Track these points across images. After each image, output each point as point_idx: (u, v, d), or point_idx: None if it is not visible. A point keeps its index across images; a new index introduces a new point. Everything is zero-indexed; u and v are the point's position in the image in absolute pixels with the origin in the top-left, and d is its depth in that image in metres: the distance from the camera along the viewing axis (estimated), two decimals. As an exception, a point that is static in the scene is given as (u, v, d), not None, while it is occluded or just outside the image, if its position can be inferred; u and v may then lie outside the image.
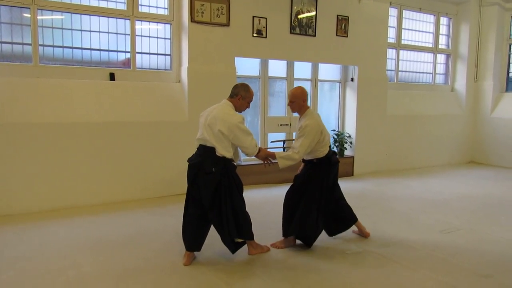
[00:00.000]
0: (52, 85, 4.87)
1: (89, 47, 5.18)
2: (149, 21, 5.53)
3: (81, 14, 5.06)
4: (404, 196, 5.65)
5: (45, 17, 4.89)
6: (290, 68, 6.61)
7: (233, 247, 3.36)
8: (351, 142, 7.10)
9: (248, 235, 3.41)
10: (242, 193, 3.43)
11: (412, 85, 8.20)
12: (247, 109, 3.53)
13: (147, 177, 5.30)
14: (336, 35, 6.63)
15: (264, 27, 5.95)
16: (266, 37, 5.98)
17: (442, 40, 8.50)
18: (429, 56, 8.37)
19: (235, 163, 3.44)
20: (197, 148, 3.39)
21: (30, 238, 3.85)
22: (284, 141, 6.52)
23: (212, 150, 3.25)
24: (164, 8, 5.60)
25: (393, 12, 7.63)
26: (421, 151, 7.98)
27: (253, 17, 5.85)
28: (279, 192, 5.59)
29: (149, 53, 5.57)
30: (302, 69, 6.74)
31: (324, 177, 3.64)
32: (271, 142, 6.45)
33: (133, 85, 5.34)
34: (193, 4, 5.37)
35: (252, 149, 3.35)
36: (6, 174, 4.52)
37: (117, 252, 3.53)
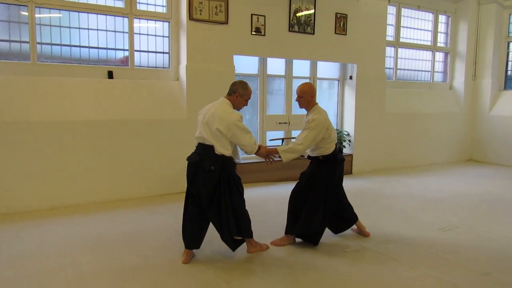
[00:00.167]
0: (50, 83, 4.85)
1: (87, 45, 5.16)
2: (147, 19, 5.51)
3: (79, 12, 5.04)
4: (403, 194, 5.66)
5: (43, 15, 4.87)
6: (288, 66, 6.60)
7: (233, 245, 3.36)
8: (349, 140, 7.10)
9: (247, 233, 3.41)
10: (242, 191, 3.42)
11: (411, 83, 8.21)
12: (245, 106, 3.51)
13: (146, 175, 5.30)
14: (335, 33, 6.62)
15: (262, 25, 5.94)
16: (264, 35, 5.97)
17: (441, 38, 8.50)
18: (427, 54, 8.38)
19: (235, 161, 3.43)
20: (196, 146, 3.38)
21: (29, 236, 3.84)
22: (282, 139, 6.51)
23: (211, 148, 3.24)
24: (163, 6, 5.59)
25: (391, 10, 7.62)
26: (420, 149, 7.99)
27: (252, 15, 5.84)
28: (278, 190, 5.61)
29: (148, 51, 5.56)
30: (301, 67, 6.73)
31: (330, 175, 3.64)
32: (270, 140, 6.42)
33: (131, 83, 5.33)
34: (191, 2, 5.35)
35: (251, 147, 3.34)
36: (5, 173, 4.50)
37: (116, 250, 3.53)
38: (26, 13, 4.75)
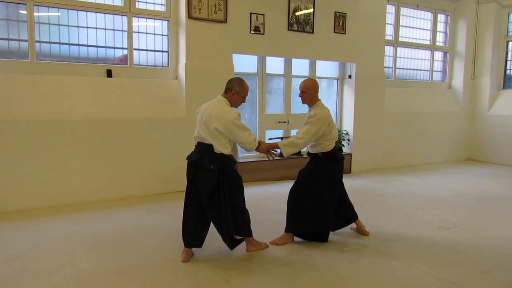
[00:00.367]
0: (49, 81, 4.84)
1: (86, 43, 5.15)
2: (146, 18, 5.50)
3: (77, 10, 5.03)
4: (402, 193, 5.66)
5: (41, 13, 4.86)
6: (288, 65, 6.59)
7: (231, 244, 3.35)
8: (348, 140, 7.10)
9: (246, 232, 3.40)
10: (243, 190, 3.41)
11: (410, 82, 8.21)
12: (243, 104, 3.50)
13: (145, 174, 5.29)
14: (334, 32, 6.62)
15: (261, 23, 5.93)
16: (263, 34, 5.96)
17: (440, 38, 8.51)
18: (426, 53, 8.38)
19: (235, 159, 3.42)
20: (195, 145, 3.37)
21: (27, 235, 3.83)
22: (281, 138, 6.51)
23: (210, 147, 3.23)
24: (161, 4, 5.58)
25: (390, 9, 7.62)
26: (419, 148, 7.99)
27: (251, 13, 5.83)
28: (277, 189, 5.61)
29: (146, 50, 5.55)
30: (300, 66, 6.73)
31: (329, 172, 3.64)
32: (269, 139, 6.39)
33: (130, 82, 5.32)
34: (190, 1, 5.34)
35: (250, 144, 3.32)
36: (3, 171, 4.49)
37: (115, 249, 3.52)
38: (25, 12, 4.74)
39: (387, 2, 7.28)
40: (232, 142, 3.35)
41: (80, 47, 5.12)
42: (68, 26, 5.03)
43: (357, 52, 6.92)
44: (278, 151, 3.64)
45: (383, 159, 7.49)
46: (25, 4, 4.72)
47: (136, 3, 5.37)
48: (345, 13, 6.69)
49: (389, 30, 7.65)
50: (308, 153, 3.78)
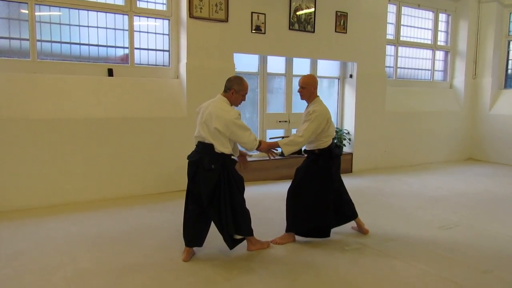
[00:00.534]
0: (50, 80, 4.84)
1: (87, 42, 5.15)
2: (147, 17, 5.50)
3: (79, 9, 5.03)
4: (403, 193, 5.66)
5: (43, 13, 4.86)
6: (289, 65, 6.59)
7: (231, 243, 3.35)
8: (349, 139, 7.10)
9: (247, 232, 3.40)
10: (243, 189, 3.41)
11: (411, 81, 8.20)
12: (243, 102, 3.49)
13: (145, 173, 5.29)
14: (335, 31, 6.62)
15: (262, 23, 5.93)
16: (264, 33, 5.96)
17: (441, 37, 8.49)
18: (427, 53, 8.37)
19: (235, 158, 3.42)
20: (196, 145, 3.37)
21: (28, 234, 3.84)
22: (282, 138, 6.50)
23: (210, 147, 3.23)
24: (163, 3, 5.58)
25: (392, 8, 7.61)
26: (420, 148, 7.98)
27: (252, 13, 5.83)
28: (278, 188, 5.61)
29: (148, 49, 5.55)
30: (301, 66, 6.72)
31: (325, 169, 3.63)
32: (270, 138, 6.39)
33: (131, 81, 5.32)
34: (191, 0, 5.34)
35: (251, 144, 3.32)
36: (4, 170, 4.50)
37: (115, 248, 3.53)
38: (26, 11, 4.74)
39: (388, 1, 7.27)
40: (233, 142, 3.35)
41: (81, 46, 5.13)
42: (69, 25, 5.04)
43: (358, 51, 6.92)
44: (279, 150, 3.64)
45: (384, 158, 7.48)
46: (27, 3, 4.72)
47: (137, 2, 5.37)
48: (346, 13, 6.68)
49: (390, 30, 7.64)
50: (305, 150, 3.77)
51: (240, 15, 5.74)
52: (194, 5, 5.37)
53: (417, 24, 8.14)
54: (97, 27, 5.19)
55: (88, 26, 5.13)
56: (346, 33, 6.72)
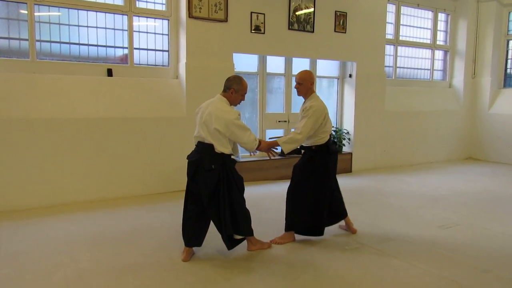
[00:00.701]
0: (49, 80, 4.84)
1: (86, 42, 5.15)
2: (147, 17, 5.50)
3: (78, 9, 5.03)
4: (402, 192, 5.66)
5: (42, 13, 4.86)
6: (288, 65, 6.59)
7: (229, 244, 3.33)
8: (349, 139, 7.10)
9: (247, 232, 3.40)
10: (243, 189, 3.40)
11: (410, 81, 8.21)
12: (242, 102, 3.48)
13: (145, 173, 5.29)
14: (335, 31, 6.62)
15: (262, 23, 5.93)
16: (264, 33, 5.96)
17: (440, 36, 8.50)
18: (427, 52, 8.38)
19: (234, 158, 3.42)
20: (196, 145, 3.37)
21: (28, 234, 3.83)
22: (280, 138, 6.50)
23: (210, 147, 3.22)
24: (162, 3, 5.58)
25: (391, 8, 7.62)
26: (419, 147, 7.99)
27: (251, 13, 5.83)
28: (277, 188, 5.61)
29: (147, 49, 5.55)
30: (301, 65, 6.70)
31: (323, 166, 3.62)
32: (269, 138, 6.39)
33: (130, 81, 5.32)
34: (190, 0, 5.34)
35: (251, 144, 3.32)
36: (3, 170, 4.50)
37: (115, 248, 3.52)
38: (26, 11, 4.74)
39: (387, 1, 7.28)
40: (232, 142, 3.34)
41: (80, 46, 5.13)
42: (69, 25, 5.03)
43: (358, 51, 6.92)
44: (279, 149, 3.63)
45: (383, 158, 7.49)
46: (26, 3, 4.72)
47: (137, 2, 5.37)
48: (346, 12, 6.68)
49: (389, 29, 7.64)
50: (302, 147, 3.74)
51: (240, 15, 5.74)
52: (194, 5, 5.37)
53: (416, 23, 8.14)
54: (97, 27, 5.19)
55: (87, 26, 5.13)
56: (345, 33, 6.72)
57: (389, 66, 7.82)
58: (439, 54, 8.57)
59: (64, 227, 4.02)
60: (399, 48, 7.90)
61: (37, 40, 4.85)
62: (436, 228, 4.16)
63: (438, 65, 8.62)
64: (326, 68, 7.07)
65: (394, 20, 7.74)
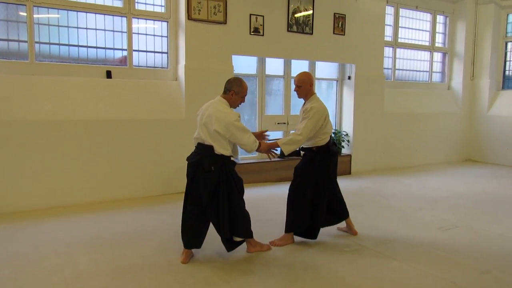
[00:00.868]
0: (49, 82, 4.84)
1: (85, 44, 5.15)
2: (146, 19, 5.50)
3: (77, 11, 5.03)
4: (402, 194, 5.66)
5: (41, 15, 4.86)
6: (287, 66, 6.60)
7: (229, 245, 3.33)
8: (348, 141, 7.10)
9: (246, 234, 3.39)
10: (243, 191, 3.40)
11: (409, 83, 8.22)
12: (243, 104, 3.49)
13: (144, 175, 5.28)
14: (333, 33, 6.63)
15: (261, 25, 5.94)
16: (263, 35, 5.97)
17: (439, 39, 8.52)
18: (426, 55, 8.39)
19: (234, 159, 3.41)
20: (195, 146, 3.37)
21: (27, 236, 3.82)
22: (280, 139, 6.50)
23: (210, 148, 3.22)
24: (161, 5, 5.58)
25: (389, 10, 7.64)
26: (418, 149, 8.00)
27: (250, 15, 5.84)
28: (277, 190, 5.61)
29: (146, 51, 5.55)
30: (300, 67, 6.71)
31: (324, 167, 3.62)
32: (268, 140, 6.42)
33: (130, 83, 5.32)
34: (190, 2, 5.35)
35: (250, 145, 3.31)
36: (3, 172, 4.49)
37: (114, 250, 3.52)
38: (25, 13, 4.74)
39: (386, 3, 7.30)
40: (232, 143, 3.34)
41: (79, 48, 5.13)
42: (68, 27, 5.04)
43: (357, 53, 6.93)
44: (279, 150, 3.62)
45: (382, 160, 7.49)
46: (25, 5, 4.72)
47: (136, 4, 5.37)
48: (344, 15, 6.70)
49: (388, 31, 7.66)
50: (302, 148, 3.74)
51: (239, 17, 5.75)
52: (193, 7, 5.38)
53: (415, 26, 8.16)
54: (96, 29, 5.19)
55: (86, 28, 5.13)
56: (344, 35, 6.74)
57: (388, 68, 7.83)
58: (437, 56, 8.59)
59: (63, 229, 4.01)
60: (397, 50, 7.92)
61: (36, 42, 4.85)
62: (435, 229, 4.16)
63: (437, 67, 8.64)
64: (325, 70, 7.08)
65: (393, 22, 7.76)
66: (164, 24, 5.62)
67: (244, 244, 3.47)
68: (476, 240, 3.89)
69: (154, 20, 5.56)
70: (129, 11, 5.31)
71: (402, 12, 7.87)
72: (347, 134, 7.12)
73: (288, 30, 6.19)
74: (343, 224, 3.99)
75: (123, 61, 5.42)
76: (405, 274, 3.13)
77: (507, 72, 8.47)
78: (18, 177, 4.57)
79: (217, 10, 5.55)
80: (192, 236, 3.31)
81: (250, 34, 5.87)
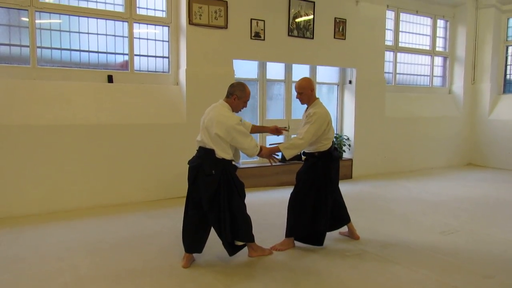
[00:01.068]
0: (50, 87, 4.85)
1: (87, 49, 5.17)
2: (147, 24, 5.52)
3: (79, 16, 5.06)
4: (403, 198, 5.64)
5: (43, 20, 4.88)
6: (288, 71, 6.61)
7: (231, 250, 3.32)
8: (349, 145, 7.10)
9: (247, 238, 3.38)
10: (244, 195, 3.39)
11: (410, 87, 8.23)
12: (244, 109, 3.49)
13: (145, 179, 5.28)
14: (334, 37, 6.65)
15: (262, 29, 5.95)
16: (264, 39, 5.98)
17: (439, 43, 8.54)
18: (426, 59, 8.40)
19: (235, 164, 3.41)
20: (197, 150, 3.37)
21: (28, 240, 3.82)
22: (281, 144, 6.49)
23: (211, 152, 3.22)
24: (162, 10, 5.60)
25: (390, 14, 7.66)
26: (420, 153, 7.99)
27: (251, 19, 5.85)
28: (278, 195, 5.60)
29: (147, 56, 5.57)
30: (300, 72, 6.73)
31: (326, 172, 3.61)
32: (270, 144, 6.40)
33: (131, 88, 5.33)
34: (191, 7, 5.37)
35: (251, 150, 3.31)
36: (4, 177, 4.49)
37: (115, 254, 3.51)
38: (27, 19, 4.76)
39: (386, 7, 7.32)
40: (234, 147, 3.34)
41: (81, 52, 5.14)
42: (69, 32, 5.06)
43: (357, 57, 6.94)
44: (280, 155, 3.62)
45: (384, 164, 7.48)
46: (27, 10, 4.74)
47: (137, 9, 5.39)
48: (345, 19, 6.72)
49: (389, 36, 7.67)
50: (304, 153, 3.74)
51: (240, 22, 5.77)
52: (194, 12, 5.40)
53: (416, 30, 8.18)
54: (97, 34, 5.21)
55: (88, 33, 5.15)
56: (345, 39, 6.75)
57: (388, 72, 7.84)
58: (438, 60, 8.60)
59: (64, 233, 4.01)
60: (398, 54, 7.93)
61: (38, 47, 4.87)
62: (437, 234, 4.14)
63: (438, 71, 8.65)
64: (326, 74, 7.09)
65: (394, 27, 7.77)
66: (165, 29, 5.64)
67: (246, 249, 3.46)
68: (478, 244, 3.87)
69: (155, 25, 5.58)
70: (130, 16, 5.34)
71: (403, 16, 7.89)
72: (348, 138, 7.12)
73: (289, 35, 6.20)
74: (345, 229, 3.98)
75: (125, 65, 5.43)
76: (407, 278, 3.11)
77: (508, 76, 8.48)
78: (19, 182, 4.57)
79: (218, 15, 5.57)
80: (193, 241, 3.30)
81: (251, 38, 5.89)
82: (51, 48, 4.98)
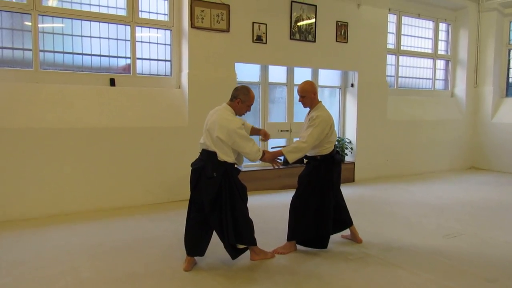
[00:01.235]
0: (53, 90, 4.86)
1: (89, 52, 5.19)
2: (149, 27, 5.54)
3: (81, 20, 5.07)
4: (406, 201, 5.62)
5: (46, 24, 4.90)
6: (290, 74, 6.61)
7: (233, 253, 3.31)
8: (351, 148, 7.09)
9: (249, 241, 3.37)
10: (246, 198, 3.38)
11: (412, 90, 8.22)
12: (248, 112, 3.49)
13: (147, 183, 5.28)
14: (336, 41, 6.65)
15: (264, 33, 5.96)
16: (266, 43, 5.99)
17: (442, 46, 8.53)
18: (428, 62, 8.40)
19: (238, 167, 3.40)
20: (200, 152, 3.36)
21: (29, 243, 3.81)
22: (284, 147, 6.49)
23: (213, 154, 3.21)
24: (164, 14, 5.62)
25: (392, 18, 7.66)
26: (422, 156, 7.96)
27: (253, 23, 5.86)
28: (280, 198, 5.59)
29: (149, 59, 5.58)
30: (302, 75, 6.73)
31: (328, 176, 3.60)
32: (271, 148, 6.40)
33: (133, 91, 5.34)
34: (193, 10, 5.39)
35: (253, 154, 3.30)
36: (6, 180, 4.49)
37: (116, 257, 3.50)
38: (29, 23, 4.78)
39: (388, 11, 7.32)
40: (236, 151, 3.33)
41: (83, 56, 5.16)
42: (72, 35, 5.07)
43: (359, 60, 6.94)
44: (282, 159, 3.61)
45: (386, 167, 7.46)
46: (30, 14, 4.76)
47: (139, 13, 5.41)
48: (347, 22, 6.72)
49: (390, 39, 7.68)
50: (306, 156, 3.72)
51: (242, 25, 5.78)
52: (196, 16, 5.41)
53: (418, 33, 8.18)
54: (100, 37, 5.22)
55: (90, 37, 5.17)
56: (346, 42, 6.75)
57: (390, 76, 7.83)
58: (440, 63, 8.59)
59: (65, 237, 4.00)
60: (400, 57, 7.92)
61: (41, 50, 4.88)
62: (440, 237, 4.12)
63: (440, 74, 8.64)
64: (328, 77, 7.09)
65: (395, 30, 7.78)
66: (168, 32, 5.65)
67: (248, 252, 3.44)
68: (481, 248, 3.85)
69: (157, 28, 5.60)
70: (132, 20, 5.35)
71: (405, 20, 7.89)
72: (350, 142, 7.11)
73: (291, 38, 6.21)
74: (347, 232, 3.96)
75: (127, 69, 5.44)
76: (410, 282, 3.09)
77: (510, 79, 8.46)
78: (21, 185, 4.57)
79: (220, 18, 5.58)
80: (195, 244, 3.29)
81: (253, 42, 5.89)
82: (54, 52, 4.99)
